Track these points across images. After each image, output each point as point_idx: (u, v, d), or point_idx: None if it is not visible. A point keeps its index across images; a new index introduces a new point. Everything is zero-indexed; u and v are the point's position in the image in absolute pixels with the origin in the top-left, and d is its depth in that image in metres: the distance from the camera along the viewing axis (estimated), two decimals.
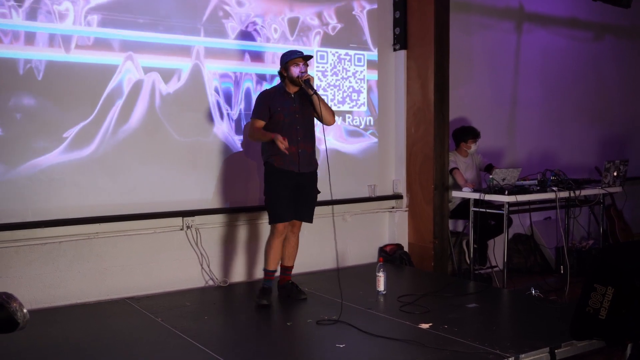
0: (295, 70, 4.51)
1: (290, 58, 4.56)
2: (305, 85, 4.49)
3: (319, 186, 4.77)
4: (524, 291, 5.21)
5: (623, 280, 3.50)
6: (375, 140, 6.21)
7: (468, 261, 5.97)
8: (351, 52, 5.99)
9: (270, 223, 4.68)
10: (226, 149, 5.31)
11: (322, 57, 5.80)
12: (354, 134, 6.06)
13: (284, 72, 4.62)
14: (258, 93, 4.83)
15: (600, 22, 8.14)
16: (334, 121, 4.75)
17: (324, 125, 4.59)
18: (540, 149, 7.48)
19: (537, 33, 7.44)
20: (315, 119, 4.70)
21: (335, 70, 5.90)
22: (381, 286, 4.85)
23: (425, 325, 4.04)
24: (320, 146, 4.95)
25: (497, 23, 7.10)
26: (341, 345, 3.71)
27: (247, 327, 4.20)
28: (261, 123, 4.57)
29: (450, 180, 6.07)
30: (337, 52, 5.89)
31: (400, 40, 6.23)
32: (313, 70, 5.74)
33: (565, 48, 7.76)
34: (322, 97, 4.73)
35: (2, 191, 4.42)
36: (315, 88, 4.53)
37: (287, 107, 4.57)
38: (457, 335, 3.82)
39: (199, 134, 5.19)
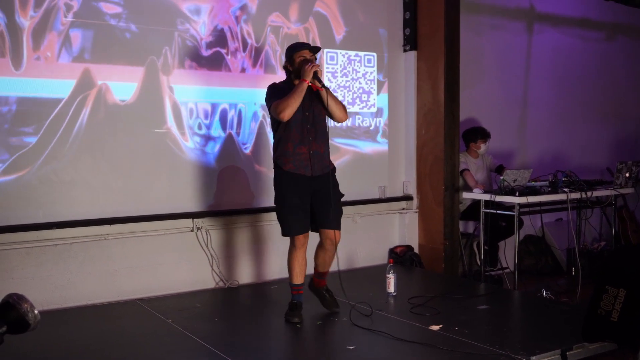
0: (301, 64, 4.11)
1: (296, 51, 4.20)
2: (313, 78, 4.06)
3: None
4: (535, 293, 5.19)
5: (635, 282, 3.48)
6: (386, 141, 6.19)
7: (479, 263, 5.95)
8: (361, 53, 5.99)
9: (283, 235, 4.24)
10: (237, 151, 5.31)
11: (332, 58, 5.80)
12: (363, 135, 6.05)
13: (289, 66, 4.23)
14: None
15: (612, 22, 8.09)
16: (346, 117, 4.27)
17: (335, 123, 4.37)
18: (552, 149, 7.44)
19: (548, 33, 7.41)
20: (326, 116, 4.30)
21: (345, 71, 5.89)
22: (391, 288, 4.84)
23: (435, 327, 4.03)
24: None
25: (507, 23, 7.07)
26: (351, 347, 3.70)
27: (257, 329, 4.20)
28: None
29: (460, 182, 6.05)
30: (346, 54, 5.89)
31: (411, 41, 6.21)
32: (323, 70, 5.73)
33: (577, 48, 7.72)
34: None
35: (14, 193, 4.44)
36: (323, 81, 4.13)
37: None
38: (467, 337, 3.80)
39: (209, 136, 5.19)
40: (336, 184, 4.31)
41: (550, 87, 7.47)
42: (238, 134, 5.33)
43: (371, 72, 6.07)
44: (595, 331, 3.62)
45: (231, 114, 5.28)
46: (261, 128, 5.43)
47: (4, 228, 4.35)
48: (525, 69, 7.25)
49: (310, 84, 4.03)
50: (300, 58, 4.15)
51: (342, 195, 4.38)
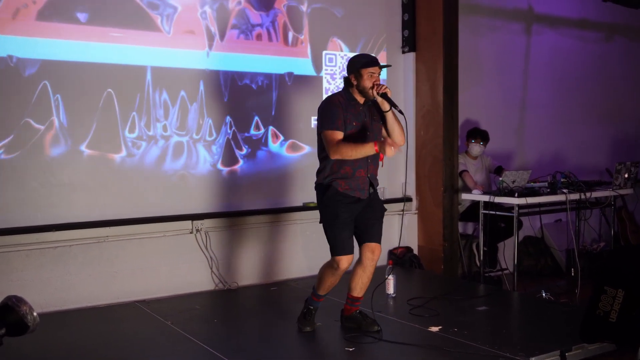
0: (368, 82, 3.80)
1: (364, 67, 3.81)
2: (384, 100, 3.78)
3: None
4: (535, 294, 5.19)
5: (633, 283, 3.49)
6: None
7: (478, 264, 5.95)
8: None
9: (332, 256, 3.92)
10: (236, 153, 5.32)
11: (330, 60, 5.81)
12: None
13: (353, 80, 3.87)
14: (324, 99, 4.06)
15: (610, 23, 8.10)
16: (404, 142, 3.97)
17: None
18: (550, 150, 7.45)
19: (546, 34, 7.42)
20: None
21: (343, 73, 5.87)
22: (391, 289, 4.84)
23: (435, 328, 4.03)
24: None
25: (506, 24, 7.08)
26: (350, 349, 3.71)
27: (256, 331, 4.20)
28: (341, 135, 3.77)
29: (459, 183, 6.06)
30: (345, 55, 5.89)
31: (409, 43, 6.22)
32: (322, 72, 5.75)
33: (575, 49, 7.73)
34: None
35: (13, 195, 4.45)
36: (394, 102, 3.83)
37: (360, 121, 3.86)
38: (467, 338, 3.80)
39: (208, 139, 5.20)
40: (380, 199, 4.14)
41: (549, 88, 7.48)
42: (237, 136, 5.33)
43: None
44: (594, 332, 3.62)
45: (231, 117, 5.30)
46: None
47: (3, 230, 4.36)
48: (524, 70, 7.26)
49: (379, 152, 3.66)
50: (367, 74, 3.80)
51: (385, 210, 4.18)
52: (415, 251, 6.22)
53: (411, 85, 6.23)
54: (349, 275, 4.09)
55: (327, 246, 3.93)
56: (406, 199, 6.28)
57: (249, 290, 5.26)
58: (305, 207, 5.39)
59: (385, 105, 3.80)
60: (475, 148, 6.10)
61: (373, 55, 3.98)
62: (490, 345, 3.64)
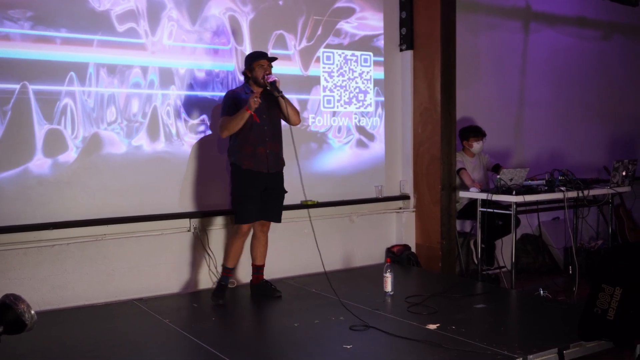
0: (259, 72, 4.58)
1: (255, 60, 4.63)
2: (271, 87, 4.54)
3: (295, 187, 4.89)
4: (532, 292, 5.20)
5: (631, 281, 3.49)
6: (382, 140, 6.20)
7: (476, 262, 5.95)
8: (357, 53, 5.99)
9: (235, 223, 4.76)
10: None
11: (328, 57, 5.80)
12: (360, 134, 6.05)
13: (248, 73, 4.68)
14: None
15: (608, 21, 8.11)
16: (299, 121, 4.83)
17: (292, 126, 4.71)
18: (548, 148, 7.45)
19: (544, 32, 7.42)
20: (281, 119, 4.77)
21: (341, 71, 5.90)
22: (388, 287, 4.84)
23: (432, 326, 4.03)
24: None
25: (504, 22, 7.08)
26: (348, 347, 3.71)
27: (254, 328, 4.20)
28: None
29: (457, 181, 6.06)
30: (343, 53, 5.89)
31: (407, 41, 6.22)
32: (320, 70, 5.75)
33: (573, 47, 7.74)
34: (290, 98, 4.78)
35: (11, 193, 4.44)
36: (280, 89, 4.54)
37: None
38: (464, 335, 3.80)
39: (207, 137, 5.20)
40: (282, 181, 4.84)
41: (547, 86, 7.49)
42: None
43: (367, 72, 6.08)
44: (592, 330, 3.62)
45: None
46: None
47: (1, 229, 4.34)
48: (522, 68, 7.26)
49: (252, 113, 4.45)
50: (258, 66, 4.59)
51: (286, 192, 4.88)
52: (413, 249, 6.22)
53: (409, 83, 6.23)
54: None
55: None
56: (403, 197, 6.29)
57: (247, 288, 5.25)
58: (303, 206, 5.38)
59: (275, 93, 4.53)
60: (476, 146, 6.10)
61: (264, 51, 4.85)
62: (488, 343, 3.64)
